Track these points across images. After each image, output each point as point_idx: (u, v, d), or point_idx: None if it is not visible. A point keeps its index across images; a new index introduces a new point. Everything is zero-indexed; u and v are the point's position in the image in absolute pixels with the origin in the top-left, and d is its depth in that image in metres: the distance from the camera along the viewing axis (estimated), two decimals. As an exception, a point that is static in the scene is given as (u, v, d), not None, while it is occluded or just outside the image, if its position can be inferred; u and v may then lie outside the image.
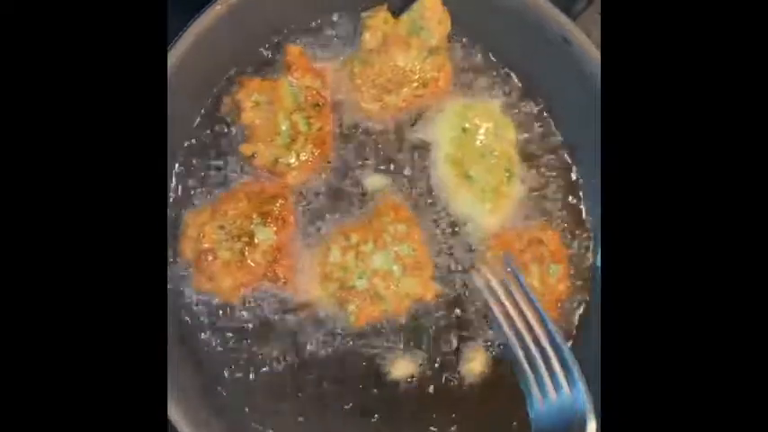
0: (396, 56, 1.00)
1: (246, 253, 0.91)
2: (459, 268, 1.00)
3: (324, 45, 1.04)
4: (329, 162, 1.01)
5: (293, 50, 0.99)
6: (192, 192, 0.99)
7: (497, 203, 1.02)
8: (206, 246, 0.90)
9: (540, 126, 1.08)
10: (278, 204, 0.94)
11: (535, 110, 1.08)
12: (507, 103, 1.07)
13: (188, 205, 0.98)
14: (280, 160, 0.97)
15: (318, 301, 0.96)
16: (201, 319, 0.96)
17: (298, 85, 0.98)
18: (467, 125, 1.03)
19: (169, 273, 0.95)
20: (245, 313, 0.96)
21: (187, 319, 0.96)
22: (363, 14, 1.02)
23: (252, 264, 0.92)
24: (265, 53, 1.03)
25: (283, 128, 0.97)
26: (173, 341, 0.93)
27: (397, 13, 1.03)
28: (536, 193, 1.06)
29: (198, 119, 1.01)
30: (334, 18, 1.05)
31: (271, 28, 1.03)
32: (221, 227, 0.91)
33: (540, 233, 1.02)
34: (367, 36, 1.01)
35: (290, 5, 1.02)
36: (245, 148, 0.97)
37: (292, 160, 0.97)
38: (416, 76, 1.01)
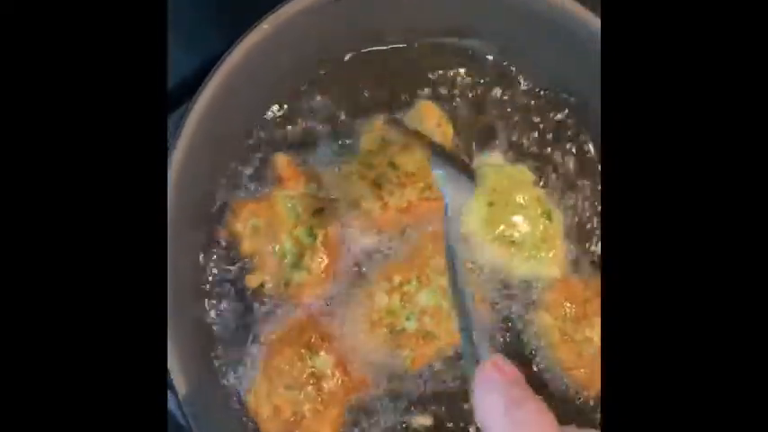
0: (395, 157, 0.95)
1: (321, 390, 0.86)
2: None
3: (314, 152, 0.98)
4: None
5: (281, 161, 0.94)
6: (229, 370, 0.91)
7: (555, 248, 0.97)
8: (288, 415, 0.84)
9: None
10: (315, 332, 0.88)
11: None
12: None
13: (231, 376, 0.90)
14: (292, 282, 0.90)
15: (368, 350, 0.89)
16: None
17: (294, 195, 0.92)
18: (490, 199, 0.97)
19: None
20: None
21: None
22: (358, 122, 0.98)
23: (333, 392, 0.86)
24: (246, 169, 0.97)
25: (288, 247, 0.90)
26: None
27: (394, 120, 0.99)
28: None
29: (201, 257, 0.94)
30: (320, 127, 0.99)
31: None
32: (287, 386, 0.85)
33: None
34: (366, 138, 0.97)
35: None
36: (252, 280, 0.89)
37: (304, 276, 0.90)
38: (420, 179, 0.95)
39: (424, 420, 0.91)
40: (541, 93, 1.04)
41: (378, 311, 0.90)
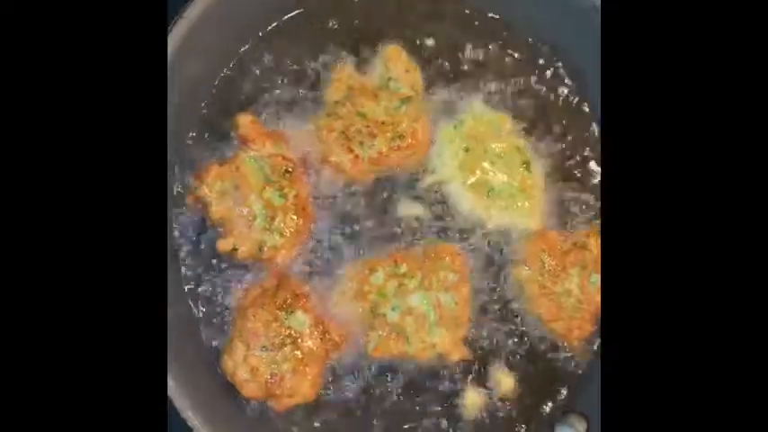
0: (363, 106, 0.90)
1: (300, 349, 0.85)
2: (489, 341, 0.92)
3: (281, 110, 0.93)
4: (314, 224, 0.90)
5: (243, 120, 0.89)
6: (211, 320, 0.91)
7: (532, 199, 0.94)
8: (266, 376, 0.84)
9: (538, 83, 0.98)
10: (288, 292, 0.87)
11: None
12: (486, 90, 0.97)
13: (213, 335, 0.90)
14: (264, 245, 0.88)
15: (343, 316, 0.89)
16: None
17: (260, 157, 0.89)
18: (465, 145, 0.94)
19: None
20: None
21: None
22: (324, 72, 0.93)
23: (312, 352, 0.85)
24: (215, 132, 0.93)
25: (258, 209, 0.87)
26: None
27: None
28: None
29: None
30: (284, 81, 0.94)
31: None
32: (264, 348, 0.84)
33: (585, 238, 0.94)
34: (331, 89, 0.92)
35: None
36: (223, 245, 0.86)
37: (277, 239, 0.88)
38: (390, 128, 0.90)
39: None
40: (532, 46, 0.99)
41: (369, 286, 0.88)
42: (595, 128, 0.99)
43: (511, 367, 0.92)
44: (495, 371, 0.92)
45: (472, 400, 0.92)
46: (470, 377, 0.91)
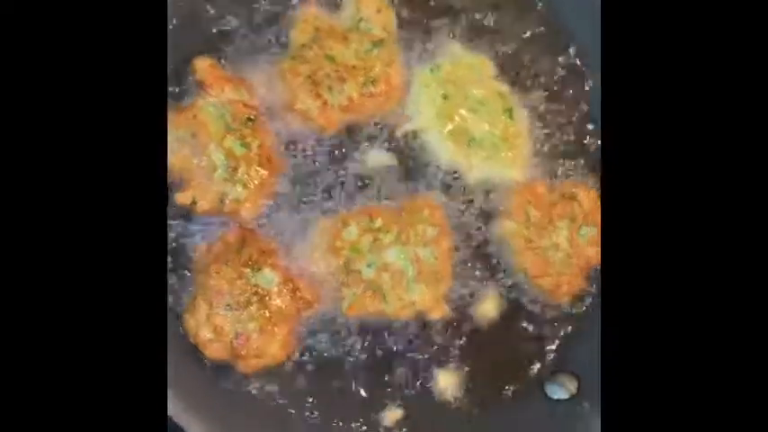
0: (332, 49, 0.84)
1: (267, 308, 0.79)
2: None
3: (243, 54, 0.86)
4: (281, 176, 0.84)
5: (201, 64, 0.82)
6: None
7: (516, 148, 0.88)
8: (232, 336, 0.78)
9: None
10: (254, 248, 0.81)
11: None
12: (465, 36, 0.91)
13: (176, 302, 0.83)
14: (226, 198, 0.82)
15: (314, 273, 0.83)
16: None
17: (219, 104, 0.82)
18: (443, 90, 0.87)
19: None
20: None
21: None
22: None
23: (281, 311, 0.80)
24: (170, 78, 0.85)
25: (218, 159, 0.81)
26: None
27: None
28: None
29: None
30: (246, 22, 0.87)
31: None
32: (228, 306, 0.79)
33: (574, 188, 0.89)
34: (297, 30, 0.85)
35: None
36: (182, 198, 0.80)
37: (240, 191, 0.82)
38: (361, 72, 0.84)
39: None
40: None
41: (342, 241, 0.82)
42: (589, 83, 0.93)
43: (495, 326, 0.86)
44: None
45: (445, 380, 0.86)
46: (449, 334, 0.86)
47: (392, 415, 0.84)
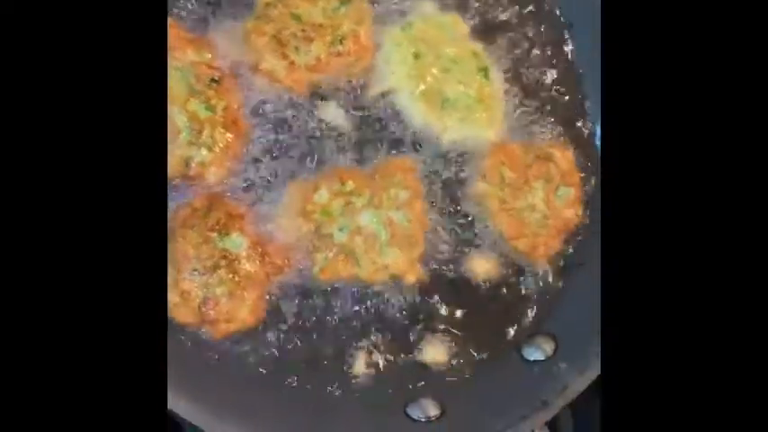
0: (298, 7, 0.82)
1: (236, 272, 0.77)
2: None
3: (205, 13, 0.83)
4: (250, 142, 0.81)
5: (163, 26, 0.81)
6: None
7: (491, 110, 0.87)
8: (199, 300, 0.77)
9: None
10: (221, 213, 0.78)
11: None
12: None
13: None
14: (191, 161, 0.80)
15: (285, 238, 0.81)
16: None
17: (182, 66, 0.80)
18: (414, 49, 0.85)
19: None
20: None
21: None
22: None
23: (250, 275, 0.78)
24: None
25: (182, 122, 0.78)
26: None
27: None
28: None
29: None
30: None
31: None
32: (194, 271, 0.77)
33: (550, 148, 0.88)
34: None
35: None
36: (144, 162, 0.79)
37: (204, 154, 0.79)
38: (329, 31, 0.82)
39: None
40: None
41: (312, 205, 0.80)
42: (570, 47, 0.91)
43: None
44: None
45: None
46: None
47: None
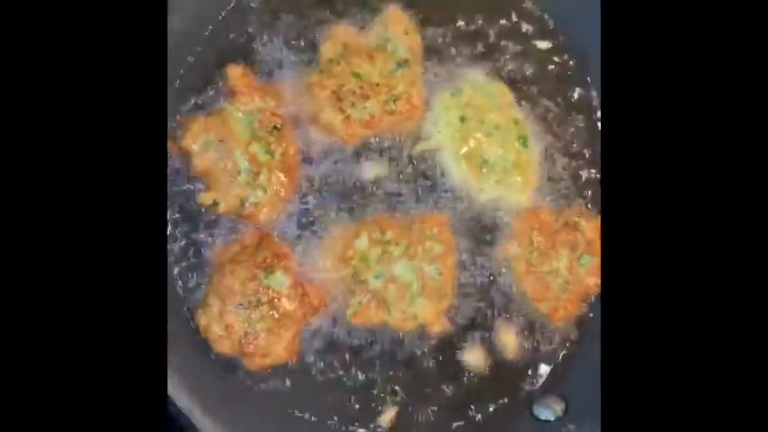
0: (359, 66, 0.88)
1: (276, 309, 0.83)
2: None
3: (274, 64, 0.91)
4: (300, 184, 0.88)
5: (234, 72, 0.86)
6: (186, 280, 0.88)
7: (526, 175, 0.91)
8: (240, 334, 0.82)
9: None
10: (269, 251, 0.84)
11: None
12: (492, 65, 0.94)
13: (189, 298, 0.87)
14: (247, 201, 0.85)
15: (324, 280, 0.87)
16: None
17: (248, 111, 0.86)
18: (461, 113, 0.91)
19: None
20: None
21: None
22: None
23: (288, 314, 0.83)
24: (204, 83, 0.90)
25: (243, 164, 0.85)
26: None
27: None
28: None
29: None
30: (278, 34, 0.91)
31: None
32: (239, 305, 0.82)
33: (578, 217, 0.92)
34: (326, 45, 0.89)
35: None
36: (204, 198, 0.84)
37: (260, 195, 0.85)
38: (384, 90, 0.87)
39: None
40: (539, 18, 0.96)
41: (352, 250, 0.86)
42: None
43: (490, 344, 0.90)
44: (473, 347, 0.90)
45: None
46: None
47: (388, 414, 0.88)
